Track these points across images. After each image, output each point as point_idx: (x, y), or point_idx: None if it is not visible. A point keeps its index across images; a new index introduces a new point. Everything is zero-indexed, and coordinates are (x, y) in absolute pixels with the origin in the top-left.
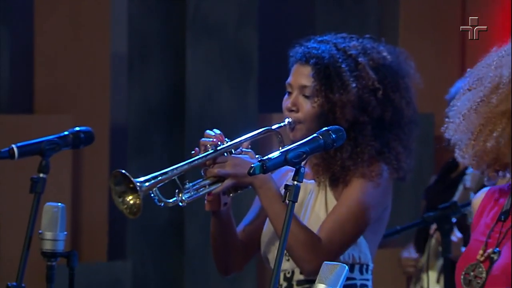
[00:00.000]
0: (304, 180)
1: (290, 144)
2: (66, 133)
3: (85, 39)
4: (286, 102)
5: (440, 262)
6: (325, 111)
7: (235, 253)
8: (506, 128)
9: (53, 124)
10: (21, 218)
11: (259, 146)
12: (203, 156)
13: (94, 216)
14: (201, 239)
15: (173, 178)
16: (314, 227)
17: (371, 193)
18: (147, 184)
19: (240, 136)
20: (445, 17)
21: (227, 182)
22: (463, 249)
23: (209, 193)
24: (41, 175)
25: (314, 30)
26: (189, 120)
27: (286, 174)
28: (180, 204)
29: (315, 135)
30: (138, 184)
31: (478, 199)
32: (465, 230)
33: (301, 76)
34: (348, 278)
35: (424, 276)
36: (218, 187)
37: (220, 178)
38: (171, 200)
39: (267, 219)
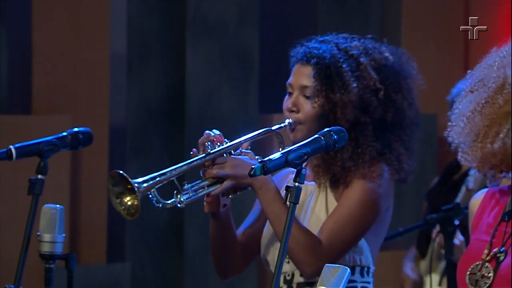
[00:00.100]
0: (304, 181)
1: (291, 145)
2: (64, 134)
3: (84, 39)
4: (287, 102)
5: (442, 264)
6: (325, 112)
7: (235, 256)
8: None
9: (51, 124)
10: (19, 220)
11: (259, 147)
12: (202, 157)
13: (93, 218)
14: (201, 240)
15: (171, 179)
16: (314, 229)
17: (372, 194)
18: (145, 185)
19: (240, 137)
20: (448, 17)
21: (226, 183)
22: None
23: (208, 195)
24: (39, 176)
25: (316, 30)
26: (189, 120)
27: (287, 177)
28: (179, 205)
29: (316, 136)
30: (136, 185)
31: (477, 200)
32: (468, 233)
33: (302, 76)
34: (348, 281)
35: (427, 279)
36: (217, 188)
37: (219, 179)
38: (169, 201)
39: (267, 221)
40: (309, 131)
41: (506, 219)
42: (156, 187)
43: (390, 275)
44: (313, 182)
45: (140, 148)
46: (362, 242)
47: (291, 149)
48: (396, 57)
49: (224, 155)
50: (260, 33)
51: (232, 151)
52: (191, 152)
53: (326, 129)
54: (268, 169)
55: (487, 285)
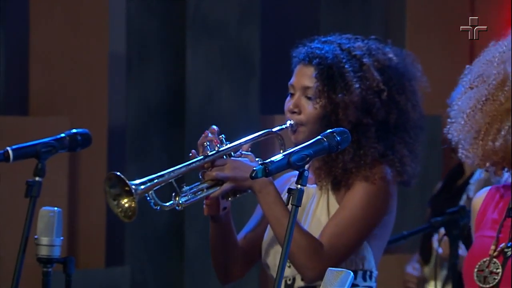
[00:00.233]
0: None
1: (292, 147)
2: (62, 135)
3: (83, 38)
4: (288, 103)
5: (444, 272)
6: (327, 113)
7: (235, 260)
8: None
9: (49, 126)
10: (16, 223)
11: (260, 149)
12: (201, 159)
13: (92, 221)
14: (201, 244)
15: (170, 181)
16: (316, 233)
17: (374, 196)
18: (142, 187)
19: (240, 138)
20: (452, 17)
21: (226, 186)
22: None
23: (207, 197)
24: (37, 178)
25: (318, 30)
26: (189, 121)
27: (289, 181)
28: (177, 208)
29: (319, 137)
30: (133, 187)
31: (479, 198)
32: (469, 240)
33: (303, 77)
34: (351, 285)
35: (431, 285)
36: (216, 191)
37: (218, 182)
38: (167, 204)
39: (268, 225)
40: (311, 132)
41: (511, 215)
42: (154, 189)
43: (394, 279)
44: (315, 185)
45: (140, 149)
46: (365, 246)
47: (293, 151)
48: (400, 58)
49: (224, 157)
50: (261, 32)
51: (232, 153)
52: (190, 154)
53: (328, 130)
54: (270, 171)
55: (496, 281)
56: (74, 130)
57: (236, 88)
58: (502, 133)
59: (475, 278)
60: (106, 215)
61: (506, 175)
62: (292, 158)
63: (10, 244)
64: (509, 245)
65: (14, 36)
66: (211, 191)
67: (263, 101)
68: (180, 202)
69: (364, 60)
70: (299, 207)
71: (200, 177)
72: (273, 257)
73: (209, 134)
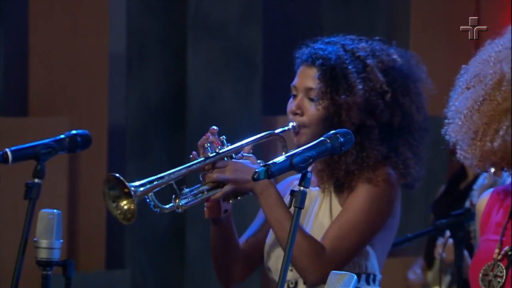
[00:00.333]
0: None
1: (294, 149)
2: (62, 136)
3: (82, 38)
4: (291, 105)
5: (448, 278)
6: (330, 114)
7: (237, 264)
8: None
9: (48, 127)
10: (15, 225)
11: (262, 151)
12: (202, 160)
13: (92, 223)
14: (203, 247)
15: (170, 183)
16: (318, 236)
17: (377, 199)
18: (141, 189)
19: (242, 140)
20: (458, 17)
21: (227, 188)
22: None
23: (208, 199)
24: (36, 180)
25: (321, 29)
26: (190, 122)
27: (291, 184)
28: (177, 210)
29: (322, 138)
30: (132, 188)
31: (483, 200)
32: (470, 248)
33: (306, 78)
34: None
35: None
36: (217, 193)
37: (219, 184)
38: (167, 206)
39: (271, 229)
40: (314, 134)
41: None
42: (153, 191)
43: (399, 283)
44: (317, 188)
45: (140, 150)
46: (368, 249)
47: (296, 152)
48: (405, 59)
49: (225, 158)
50: (263, 32)
51: (233, 154)
52: (191, 156)
53: (332, 132)
54: (272, 172)
55: (500, 284)
56: (74, 131)
57: (237, 88)
58: (500, 133)
59: (480, 282)
60: (106, 217)
61: (505, 175)
62: (295, 160)
63: (9, 246)
64: None
65: (14, 35)
66: (211, 193)
67: (265, 101)
68: (180, 204)
69: (368, 61)
70: (302, 210)
71: (201, 179)
72: (275, 261)
73: (210, 135)
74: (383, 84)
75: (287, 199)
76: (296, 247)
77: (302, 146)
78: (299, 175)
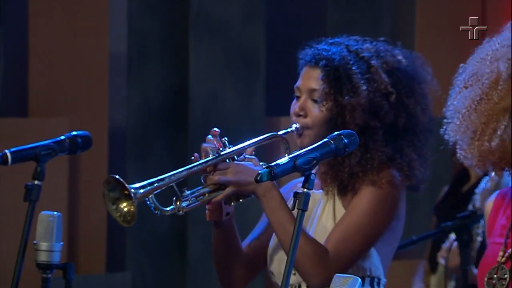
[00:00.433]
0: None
1: (298, 151)
2: (62, 137)
3: (83, 38)
4: (294, 106)
5: (452, 283)
6: (334, 116)
7: (239, 267)
8: (510, 125)
9: (48, 128)
10: (15, 227)
11: (266, 153)
12: (203, 162)
13: (92, 226)
14: (205, 249)
15: (170, 185)
16: (321, 239)
17: (382, 201)
18: (141, 191)
19: (244, 141)
20: (463, 17)
21: (228, 190)
22: None
23: (209, 202)
24: (36, 182)
25: (325, 29)
26: (192, 123)
27: (295, 187)
28: (178, 212)
29: (326, 139)
30: (132, 190)
31: (490, 202)
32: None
33: (310, 79)
34: None
35: None
36: (219, 195)
37: (221, 186)
38: (168, 209)
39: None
40: (317, 136)
41: None
42: (154, 193)
43: (403, 286)
44: (321, 190)
45: (141, 152)
46: (372, 252)
47: (299, 154)
48: (409, 61)
49: (227, 160)
50: (266, 31)
51: (235, 156)
52: (192, 157)
53: (336, 133)
54: (275, 174)
55: (504, 287)
56: (74, 132)
57: (240, 89)
58: (498, 132)
59: (486, 286)
60: (106, 219)
61: (506, 175)
62: (298, 161)
63: (8, 249)
64: None
65: (13, 36)
66: (213, 195)
67: (268, 102)
68: (181, 206)
69: (372, 62)
70: (305, 212)
71: (202, 181)
72: (278, 265)
73: (211, 137)
74: (387, 85)
75: (290, 202)
76: (299, 250)
77: (306, 148)
78: (303, 178)
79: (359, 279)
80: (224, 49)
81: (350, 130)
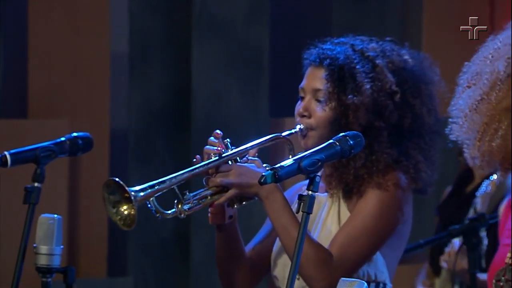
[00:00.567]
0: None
1: (302, 152)
2: (62, 139)
3: (83, 38)
4: (298, 107)
5: (457, 287)
6: (338, 116)
7: (242, 272)
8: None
9: (48, 129)
10: (14, 230)
11: (269, 154)
12: (205, 164)
13: (93, 229)
14: (209, 253)
15: (172, 187)
16: (325, 243)
17: (387, 204)
18: (142, 193)
19: (247, 143)
20: (472, 14)
21: (231, 193)
22: None
23: (211, 205)
24: (36, 184)
25: (330, 28)
26: (195, 125)
27: (300, 191)
28: (180, 216)
29: (331, 141)
30: (132, 193)
31: (503, 206)
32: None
33: (314, 79)
34: None
35: None
36: (221, 198)
37: (223, 188)
38: (169, 212)
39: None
40: (321, 137)
41: None
42: (155, 196)
43: None
44: (326, 193)
45: (143, 154)
46: (377, 256)
47: (304, 155)
48: (417, 61)
49: (229, 162)
50: (270, 31)
51: (238, 158)
52: (194, 159)
53: (341, 134)
54: (280, 176)
55: None
56: (74, 134)
57: (244, 89)
58: (500, 133)
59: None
60: (108, 222)
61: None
62: (303, 163)
63: (8, 253)
64: None
65: (13, 35)
66: (215, 198)
67: (273, 103)
68: (183, 209)
69: (377, 61)
70: (310, 215)
71: (204, 183)
72: (282, 269)
73: (213, 139)
74: (392, 85)
75: (295, 205)
76: (302, 254)
77: (310, 149)
78: (308, 181)
79: (365, 283)
80: (228, 49)
81: (355, 132)
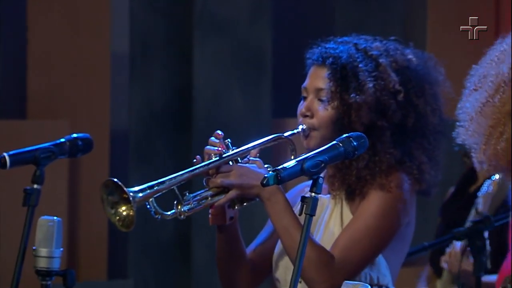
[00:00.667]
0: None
1: (305, 153)
2: (62, 140)
3: (83, 38)
4: (301, 107)
5: None
6: (340, 115)
7: (243, 273)
8: None
9: (48, 130)
10: (13, 233)
11: (272, 155)
12: (205, 165)
13: (93, 231)
14: (210, 256)
15: (171, 188)
16: (328, 245)
17: (390, 206)
18: (141, 194)
19: (248, 143)
20: (477, 16)
21: (232, 194)
22: None
23: (212, 206)
24: (35, 186)
25: (333, 28)
26: (196, 125)
27: (302, 192)
28: (180, 217)
29: (334, 142)
30: (131, 194)
31: None
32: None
33: (317, 78)
34: None
35: None
36: (222, 199)
37: (224, 189)
38: (169, 213)
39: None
40: (324, 138)
41: None
42: (154, 196)
43: None
44: (328, 195)
45: (144, 155)
46: (380, 259)
47: (307, 157)
48: (421, 60)
49: (230, 162)
50: (273, 30)
51: (239, 158)
52: (194, 160)
53: (344, 135)
54: (282, 178)
55: None
56: (74, 135)
57: (246, 90)
58: (505, 136)
59: None
60: (108, 224)
61: None
62: (306, 165)
63: (7, 255)
64: None
65: (11, 35)
66: (216, 199)
67: (275, 103)
68: (183, 210)
69: (381, 60)
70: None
71: (205, 184)
72: (284, 271)
73: (214, 139)
74: (395, 84)
75: (297, 207)
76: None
77: (312, 149)
78: (311, 182)
79: (369, 286)
80: (229, 49)
81: (359, 133)
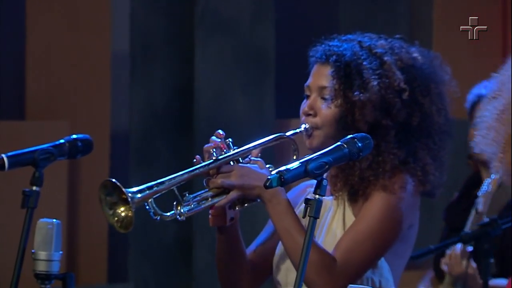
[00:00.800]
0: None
1: (308, 154)
2: (61, 141)
3: (83, 37)
4: (303, 105)
5: None
6: (344, 113)
7: (244, 275)
8: None
9: (47, 131)
10: (12, 236)
11: (275, 155)
12: (205, 165)
13: (93, 234)
14: (212, 259)
15: (171, 188)
16: (330, 247)
17: (394, 208)
18: (139, 195)
19: (249, 143)
20: (484, 15)
21: (232, 194)
22: None
23: (212, 207)
24: (34, 188)
25: (337, 27)
26: (198, 126)
27: (304, 191)
28: (179, 218)
29: (339, 143)
30: (130, 195)
31: None
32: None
33: (320, 76)
34: None
35: None
36: (222, 200)
37: (224, 190)
38: (168, 214)
39: None
40: (327, 137)
41: None
42: (153, 197)
43: None
44: (331, 197)
45: (144, 156)
46: (382, 262)
47: (311, 158)
48: (427, 59)
49: (231, 162)
50: (276, 30)
51: (240, 158)
52: (194, 160)
53: (349, 136)
54: (286, 180)
55: None
56: (74, 136)
57: (248, 90)
58: None
59: None
60: (108, 227)
61: None
62: (310, 166)
63: (6, 258)
64: None
65: (9, 34)
66: (216, 200)
67: (279, 104)
68: (182, 211)
69: (386, 58)
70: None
71: (205, 184)
72: (285, 274)
73: (215, 138)
74: (400, 82)
75: (299, 207)
76: None
77: (315, 149)
78: (312, 181)
79: None
80: (232, 49)
81: (364, 134)
